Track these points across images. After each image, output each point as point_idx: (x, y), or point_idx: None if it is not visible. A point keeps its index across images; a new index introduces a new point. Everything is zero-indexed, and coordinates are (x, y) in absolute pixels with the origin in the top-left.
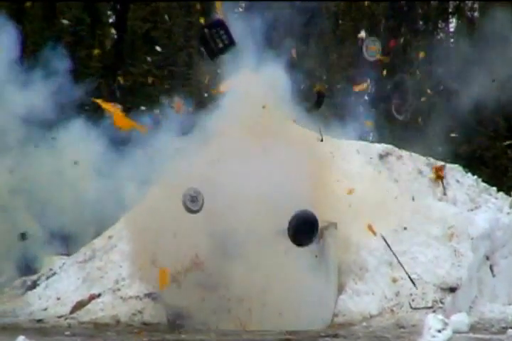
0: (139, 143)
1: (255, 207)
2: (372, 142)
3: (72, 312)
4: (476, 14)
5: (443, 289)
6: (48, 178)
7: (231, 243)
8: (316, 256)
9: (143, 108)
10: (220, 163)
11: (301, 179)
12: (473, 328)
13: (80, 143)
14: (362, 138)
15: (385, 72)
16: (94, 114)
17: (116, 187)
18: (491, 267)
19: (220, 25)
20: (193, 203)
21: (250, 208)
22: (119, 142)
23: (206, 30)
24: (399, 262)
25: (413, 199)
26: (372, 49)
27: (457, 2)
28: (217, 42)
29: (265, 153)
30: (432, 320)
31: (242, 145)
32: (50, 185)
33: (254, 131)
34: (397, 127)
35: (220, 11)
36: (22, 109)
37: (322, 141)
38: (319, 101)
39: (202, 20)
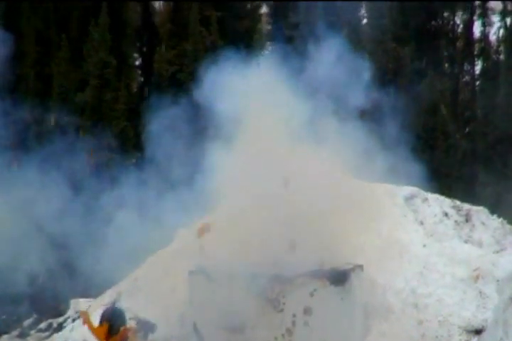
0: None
1: (282, 246)
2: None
3: None
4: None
5: (468, 331)
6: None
7: (256, 284)
8: (342, 298)
9: None
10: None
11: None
12: None
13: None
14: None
15: None
16: None
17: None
18: None
19: None
20: None
21: (278, 248)
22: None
23: None
24: None
25: (439, 241)
26: None
27: (483, 44)
28: None
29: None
30: None
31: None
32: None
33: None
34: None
35: None
36: None
37: None
38: None
39: None
